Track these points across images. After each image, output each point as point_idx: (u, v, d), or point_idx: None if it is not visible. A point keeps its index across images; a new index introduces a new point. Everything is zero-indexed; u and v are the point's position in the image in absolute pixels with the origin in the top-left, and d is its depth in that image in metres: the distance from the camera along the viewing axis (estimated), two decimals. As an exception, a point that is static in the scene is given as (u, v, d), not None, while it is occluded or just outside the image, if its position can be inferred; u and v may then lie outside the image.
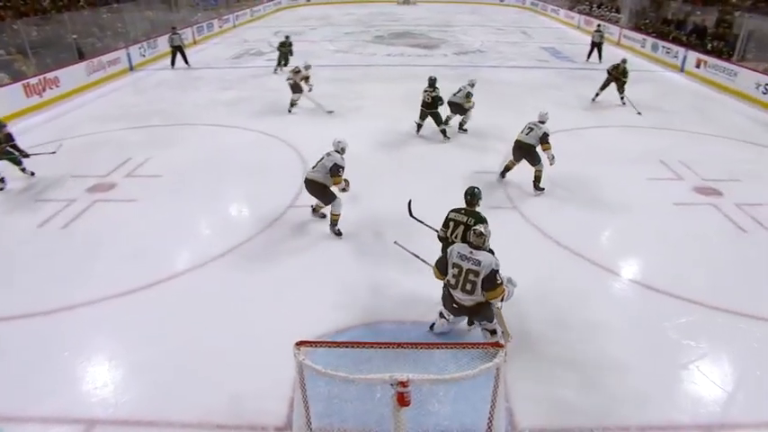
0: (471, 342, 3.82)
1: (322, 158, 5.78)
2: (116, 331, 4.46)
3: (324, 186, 5.75)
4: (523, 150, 6.94)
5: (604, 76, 11.30)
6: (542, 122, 6.91)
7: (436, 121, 8.94)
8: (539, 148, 6.86)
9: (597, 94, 11.47)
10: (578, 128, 9.84)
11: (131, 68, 14.77)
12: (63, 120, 10.44)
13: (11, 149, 7.17)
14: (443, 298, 3.99)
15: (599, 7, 23.82)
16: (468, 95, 8.88)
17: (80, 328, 4.49)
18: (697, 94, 12.95)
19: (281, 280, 5.15)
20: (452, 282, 3.76)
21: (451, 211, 4.43)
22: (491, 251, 3.88)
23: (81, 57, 13.30)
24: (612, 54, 15.72)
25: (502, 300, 3.79)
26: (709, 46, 15.02)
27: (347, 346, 3.13)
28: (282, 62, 14.33)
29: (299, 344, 2.77)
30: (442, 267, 3.86)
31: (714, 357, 4.20)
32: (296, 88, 10.41)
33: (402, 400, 2.58)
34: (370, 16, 27.88)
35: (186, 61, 15.03)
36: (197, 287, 5.05)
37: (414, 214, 4.98)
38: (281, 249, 5.70)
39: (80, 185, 7.23)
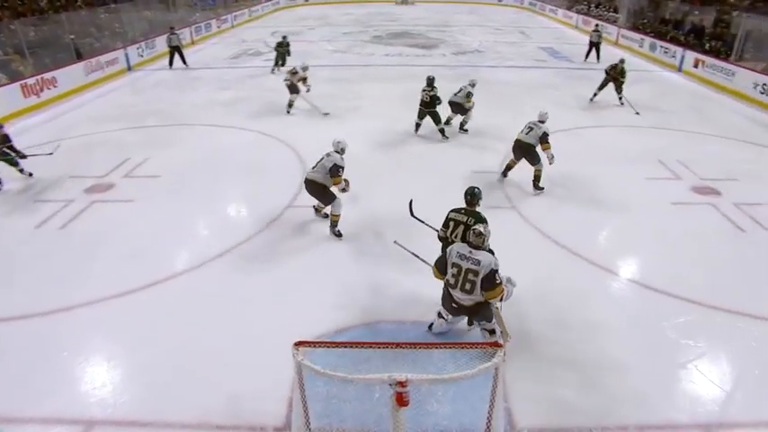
0: (470, 342, 3.83)
1: (322, 159, 5.78)
2: (114, 332, 4.46)
3: (324, 187, 5.75)
4: (523, 150, 6.95)
5: (602, 75, 11.30)
6: (542, 122, 6.92)
7: (435, 121, 8.94)
8: (538, 148, 6.87)
9: (595, 94, 11.48)
10: (577, 128, 9.85)
11: (129, 69, 14.76)
12: (61, 120, 10.41)
13: (8, 151, 7.14)
14: (443, 298, 3.99)
15: (597, 7, 23.85)
16: (469, 95, 8.89)
17: (78, 329, 4.48)
18: (695, 93, 12.96)
19: (280, 280, 5.14)
20: (452, 281, 3.76)
21: (451, 210, 4.43)
22: (490, 251, 3.88)
23: (79, 57, 13.28)
24: (610, 54, 15.74)
25: (501, 299, 3.80)
26: (707, 46, 15.04)
27: (346, 347, 3.13)
28: (280, 62, 14.35)
29: (298, 344, 2.77)
30: (441, 267, 3.86)
31: (712, 357, 4.20)
32: (293, 89, 10.39)
33: (401, 400, 2.57)
34: (368, 16, 27.87)
35: (184, 61, 15.03)
36: (195, 287, 5.04)
37: (414, 214, 4.98)
38: (279, 249, 5.70)
39: (78, 186, 7.22)
